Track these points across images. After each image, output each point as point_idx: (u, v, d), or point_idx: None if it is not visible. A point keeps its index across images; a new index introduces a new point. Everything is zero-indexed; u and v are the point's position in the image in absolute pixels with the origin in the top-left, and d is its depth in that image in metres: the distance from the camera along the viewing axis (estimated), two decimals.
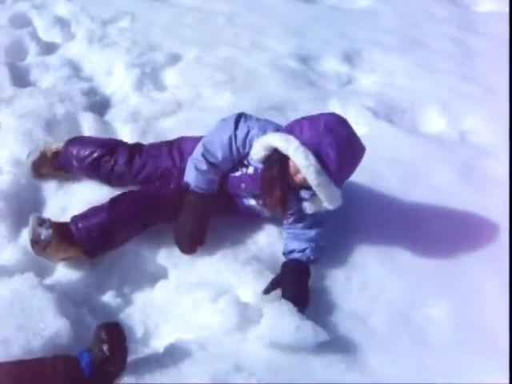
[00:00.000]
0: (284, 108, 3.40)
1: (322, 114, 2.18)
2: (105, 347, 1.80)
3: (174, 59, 3.86)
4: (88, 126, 3.13)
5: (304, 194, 2.19)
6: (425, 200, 2.81)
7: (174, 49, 3.93)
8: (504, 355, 2.04)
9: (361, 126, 3.29)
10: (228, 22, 4.41)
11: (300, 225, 2.34)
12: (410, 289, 2.35)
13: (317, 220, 2.32)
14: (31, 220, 2.25)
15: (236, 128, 2.31)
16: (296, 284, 2.18)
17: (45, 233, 2.21)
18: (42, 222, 2.25)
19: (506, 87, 3.56)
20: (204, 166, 2.33)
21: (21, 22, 4.21)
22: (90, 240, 2.25)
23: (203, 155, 2.34)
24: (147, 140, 2.95)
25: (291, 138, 2.06)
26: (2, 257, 2.32)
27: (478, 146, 3.31)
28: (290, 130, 2.14)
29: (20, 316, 2.00)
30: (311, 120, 2.12)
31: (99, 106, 3.39)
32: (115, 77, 3.69)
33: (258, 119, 2.36)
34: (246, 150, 2.29)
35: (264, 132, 2.23)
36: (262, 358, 1.97)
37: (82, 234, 2.25)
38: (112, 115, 3.28)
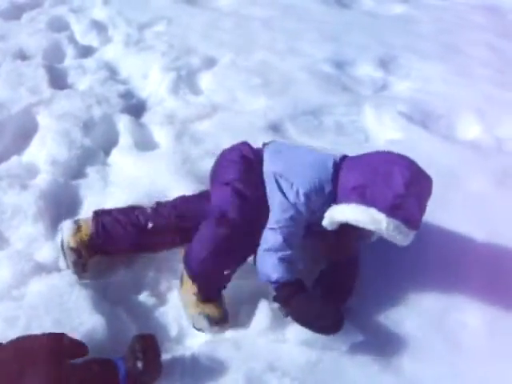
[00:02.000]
0: (319, 112, 3.41)
1: (393, 163, 2.02)
2: (139, 364, 1.80)
3: (210, 63, 3.90)
4: (124, 128, 3.18)
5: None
6: (461, 207, 2.77)
7: (210, 52, 3.96)
8: None
9: (395, 132, 3.32)
10: (264, 26, 4.43)
11: None
12: (445, 295, 2.32)
13: None
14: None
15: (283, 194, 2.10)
16: (334, 279, 2.17)
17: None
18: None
19: None
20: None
21: (59, 25, 4.31)
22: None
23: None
24: (183, 142, 2.99)
25: (375, 212, 1.93)
26: (40, 255, 2.35)
27: None
28: (358, 185, 2.00)
29: (57, 311, 2.03)
30: (384, 175, 1.97)
31: (135, 108, 3.44)
32: (151, 80, 3.73)
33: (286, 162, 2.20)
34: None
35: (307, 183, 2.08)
36: (296, 358, 1.96)
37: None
38: (148, 117, 3.32)
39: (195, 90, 3.65)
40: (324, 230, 2.10)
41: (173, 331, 2.16)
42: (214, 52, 3.97)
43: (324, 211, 2.07)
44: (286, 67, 3.86)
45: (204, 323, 2.10)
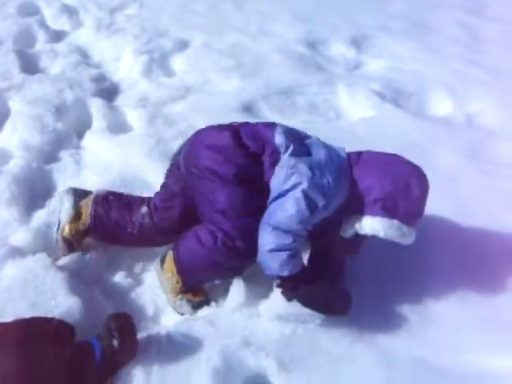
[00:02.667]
0: (292, 92, 3.45)
1: (410, 176, 2.08)
2: (115, 342, 1.81)
3: (182, 45, 3.92)
4: (97, 112, 3.18)
5: None
6: (431, 181, 2.82)
7: (182, 35, 3.99)
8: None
9: (368, 110, 3.36)
10: (236, 7, 4.48)
11: None
12: (417, 267, 2.36)
13: None
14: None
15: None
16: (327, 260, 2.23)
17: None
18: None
19: None
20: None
21: (29, 10, 4.30)
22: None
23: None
24: (156, 124, 2.99)
25: (399, 224, 2.02)
26: (14, 238, 2.36)
27: (485, 128, 3.32)
28: (379, 198, 2.03)
29: (33, 294, 2.04)
30: (404, 188, 2.05)
31: (108, 91, 3.45)
32: (123, 63, 3.75)
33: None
34: None
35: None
36: (270, 333, 1.99)
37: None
38: (121, 101, 3.34)
39: (168, 72, 3.67)
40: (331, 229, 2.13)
41: (149, 311, 2.20)
42: (187, 34, 4.00)
43: (336, 215, 2.07)
44: (259, 48, 3.90)
45: (187, 308, 2.14)
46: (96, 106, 3.21)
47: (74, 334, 1.90)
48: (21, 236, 2.39)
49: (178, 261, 2.13)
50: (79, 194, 2.36)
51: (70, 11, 4.28)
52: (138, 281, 2.32)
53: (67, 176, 2.76)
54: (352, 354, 1.98)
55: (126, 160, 2.77)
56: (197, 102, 3.26)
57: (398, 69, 3.84)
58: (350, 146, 2.88)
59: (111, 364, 1.83)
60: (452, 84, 3.66)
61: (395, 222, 2.02)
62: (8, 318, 1.88)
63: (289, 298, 2.03)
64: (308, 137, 2.20)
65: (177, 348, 1.94)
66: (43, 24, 4.08)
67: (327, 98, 3.46)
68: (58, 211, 2.38)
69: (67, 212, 2.31)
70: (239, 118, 2.77)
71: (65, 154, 2.89)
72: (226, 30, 4.09)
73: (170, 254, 2.17)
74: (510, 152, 3.03)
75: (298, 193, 1.99)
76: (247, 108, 3.25)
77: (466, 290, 2.28)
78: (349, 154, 2.17)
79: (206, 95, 3.35)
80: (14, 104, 3.16)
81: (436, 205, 2.65)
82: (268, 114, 3.24)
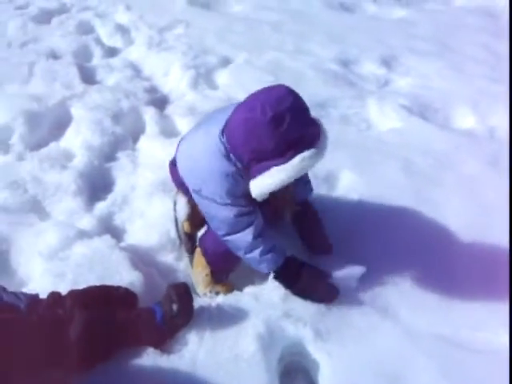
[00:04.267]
0: (326, 105, 3.71)
1: (255, 122, 1.89)
2: (174, 307, 2.04)
3: (225, 62, 4.25)
4: (150, 119, 3.53)
5: None
6: (454, 186, 3.02)
7: (225, 52, 4.32)
8: None
9: (396, 122, 3.61)
10: (273, 29, 4.78)
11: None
12: (438, 259, 2.56)
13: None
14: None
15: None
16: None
17: None
18: None
19: None
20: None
21: (85, 28, 4.71)
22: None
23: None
24: None
25: (278, 169, 1.90)
26: (80, 223, 2.67)
27: (506, 140, 3.47)
28: (252, 157, 1.96)
29: (100, 269, 2.33)
30: (257, 135, 1.90)
31: (159, 101, 3.79)
32: (172, 77, 4.10)
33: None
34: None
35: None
36: (308, 308, 2.23)
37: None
38: (171, 110, 3.66)
39: (213, 85, 4.00)
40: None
41: None
42: (229, 52, 4.33)
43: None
44: (296, 66, 4.18)
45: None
46: (149, 114, 3.55)
47: (137, 300, 2.19)
48: (86, 222, 2.69)
49: (205, 254, 2.36)
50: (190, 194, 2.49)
51: (123, 30, 4.68)
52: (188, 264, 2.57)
53: (124, 173, 3.07)
54: (379, 328, 2.20)
55: None
56: None
57: (425, 86, 4.07)
58: (379, 154, 3.18)
59: (170, 327, 2.05)
60: (475, 100, 3.86)
61: (273, 170, 1.91)
62: (81, 287, 2.15)
63: (285, 288, 2.25)
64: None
65: (225, 317, 2.15)
66: (99, 41, 4.49)
67: (358, 111, 3.71)
68: (173, 210, 2.54)
69: (183, 210, 2.45)
70: None
71: (122, 155, 3.23)
72: (265, 48, 4.40)
73: (198, 250, 2.40)
74: None
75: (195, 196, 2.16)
76: None
77: (485, 278, 2.47)
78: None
79: None
80: (76, 110, 3.51)
81: (457, 206, 2.91)
82: None
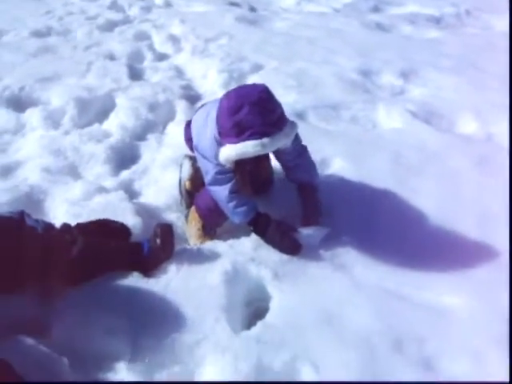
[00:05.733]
0: (338, 107, 4.08)
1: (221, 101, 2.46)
2: (158, 240, 2.46)
3: (257, 68, 4.77)
4: (181, 110, 4.08)
5: None
6: (435, 177, 3.23)
7: (258, 60, 4.84)
8: None
9: (399, 123, 3.90)
10: (308, 43, 5.25)
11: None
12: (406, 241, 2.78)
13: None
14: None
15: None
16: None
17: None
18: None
19: None
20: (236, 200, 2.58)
21: (142, 36, 5.39)
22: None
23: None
24: None
25: (243, 145, 2.36)
26: (104, 183, 3.22)
27: (502, 144, 3.64)
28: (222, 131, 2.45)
29: (109, 213, 2.79)
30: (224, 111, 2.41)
31: (192, 97, 4.33)
32: (209, 80, 4.65)
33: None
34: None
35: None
36: (273, 255, 2.58)
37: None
38: (200, 103, 4.16)
39: None
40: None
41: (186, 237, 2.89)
42: (262, 60, 4.84)
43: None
44: (319, 73, 4.61)
45: None
46: (181, 106, 4.10)
47: (130, 233, 2.68)
48: (109, 183, 3.21)
49: (199, 208, 2.79)
50: (195, 159, 2.90)
51: (174, 39, 5.33)
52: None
53: (150, 150, 3.60)
54: (331, 278, 2.48)
55: None
56: None
57: (437, 96, 4.31)
58: (373, 147, 3.46)
59: (153, 258, 2.47)
60: (481, 109, 4.05)
61: (227, 145, 2.41)
62: None
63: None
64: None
65: (202, 257, 2.55)
66: (151, 47, 5.15)
67: (368, 114, 4.03)
68: (179, 171, 3.07)
69: (187, 171, 2.99)
70: None
71: (151, 136, 3.77)
72: (295, 58, 4.86)
73: (193, 207, 2.83)
74: None
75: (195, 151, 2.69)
76: (299, 115, 3.90)
77: (440, 249, 2.68)
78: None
79: None
80: (119, 100, 4.12)
81: (436, 196, 3.09)
82: (314, 121, 3.92)
